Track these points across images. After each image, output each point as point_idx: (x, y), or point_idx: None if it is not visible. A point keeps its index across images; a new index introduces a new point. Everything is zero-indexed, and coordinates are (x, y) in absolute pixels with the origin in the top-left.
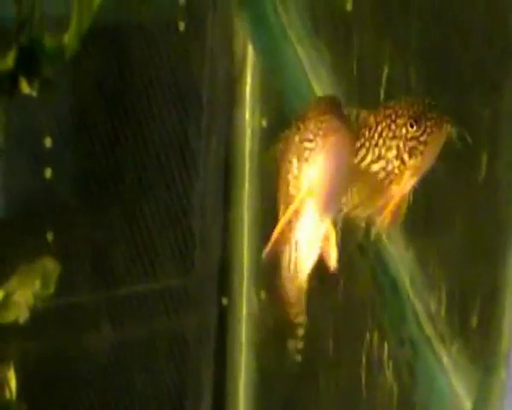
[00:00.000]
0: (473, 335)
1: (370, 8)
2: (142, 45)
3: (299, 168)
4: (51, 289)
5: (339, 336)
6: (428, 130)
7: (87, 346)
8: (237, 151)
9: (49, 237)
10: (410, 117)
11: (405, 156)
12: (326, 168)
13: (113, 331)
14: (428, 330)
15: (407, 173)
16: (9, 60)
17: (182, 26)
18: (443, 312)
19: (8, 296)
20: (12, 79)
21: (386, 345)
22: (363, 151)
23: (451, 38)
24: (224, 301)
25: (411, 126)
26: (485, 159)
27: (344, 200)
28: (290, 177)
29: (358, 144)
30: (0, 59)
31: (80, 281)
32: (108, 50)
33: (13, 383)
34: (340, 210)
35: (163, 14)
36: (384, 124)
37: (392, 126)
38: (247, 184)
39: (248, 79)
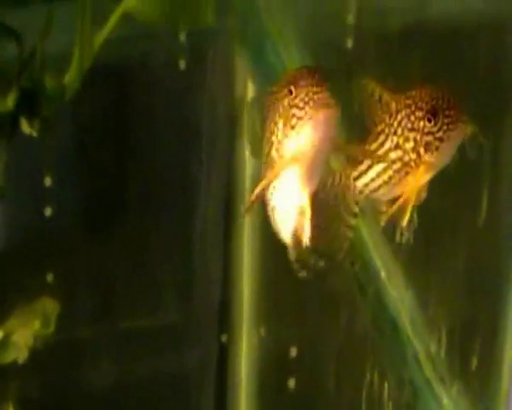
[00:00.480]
0: (473, 377)
1: (371, 46)
2: (143, 83)
3: (284, 133)
4: (51, 330)
5: (339, 376)
6: (445, 127)
7: (87, 383)
8: (237, 188)
9: (49, 277)
10: (427, 111)
11: (421, 150)
12: (311, 140)
13: (114, 368)
14: (428, 371)
15: (422, 168)
16: (10, 101)
17: (182, 64)
18: (443, 353)
19: (7, 337)
20: (12, 119)
21: (386, 385)
22: (382, 137)
23: (453, 77)
24: (224, 337)
25: (428, 121)
26: (485, 199)
27: (365, 181)
28: (274, 139)
29: (379, 129)
30: (0, 100)
31: (80, 319)
32: (109, 88)
33: None
34: (361, 192)
35: (163, 52)
36: (403, 113)
37: (411, 118)
38: (246, 221)
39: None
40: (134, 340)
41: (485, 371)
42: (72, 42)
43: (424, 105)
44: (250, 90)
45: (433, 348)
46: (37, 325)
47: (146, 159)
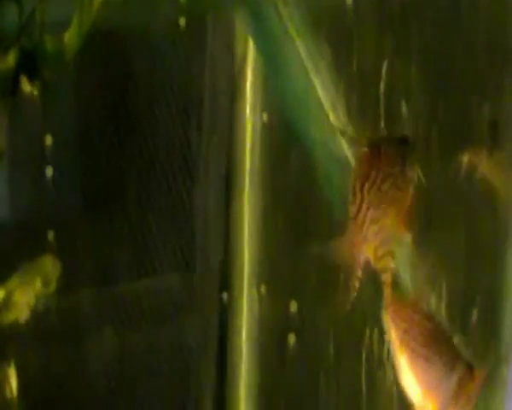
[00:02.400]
0: (473, 331)
1: (371, 3)
2: (143, 44)
3: None
4: (52, 288)
5: (339, 333)
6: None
7: (88, 344)
8: (238, 148)
9: (50, 235)
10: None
11: (409, 172)
12: None
13: (114, 329)
14: None
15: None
16: (10, 59)
17: (183, 22)
18: (443, 307)
19: (8, 296)
20: (13, 79)
21: (386, 342)
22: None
23: (452, 37)
24: (225, 296)
25: (406, 143)
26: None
27: None
28: None
29: (367, 169)
30: (1, 59)
31: (80, 280)
32: (109, 51)
33: (14, 382)
34: None
35: (163, 13)
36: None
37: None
38: (247, 181)
39: (249, 75)
40: (135, 301)
41: (487, 325)
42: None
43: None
44: (250, 48)
45: (433, 302)
46: (38, 283)
47: (146, 120)
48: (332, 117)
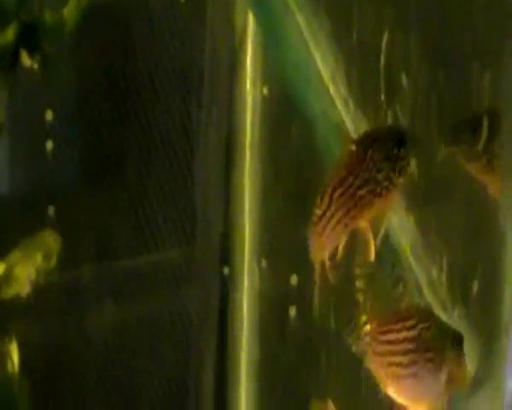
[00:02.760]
0: (474, 302)
1: None
2: (143, 18)
3: None
4: (53, 263)
5: (339, 306)
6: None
7: (89, 318)
8: (238, 121)
9: (51, 210)
10: (398, 139)
11: (395, 177)
12: None
13: (115, 303)
14: (429, 297)
15: (395, 192)
16: (9, 34)
17: None
18: (444, 279)
19: (9, 270)
20: (13, 53)
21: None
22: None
23: (452, 8)
24: (226, 270)
25: (401, 147)
26: (485, 130)
27: None
28: None
29: (344, 173)
30: (0, 34)
31: (81, 254)
32: (109, 25)
33: (15, 356)
34: None
35: None
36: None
37: (383, 149)
38: (248, 154)
39: (249, 48)
40: (136, 275)
41: (487, 296)
42: None
43: (393, 136)
44: (250, 21)
45: (434, 273)
46: (38, 258)
47: (146, 94)
48: (332, 89)
